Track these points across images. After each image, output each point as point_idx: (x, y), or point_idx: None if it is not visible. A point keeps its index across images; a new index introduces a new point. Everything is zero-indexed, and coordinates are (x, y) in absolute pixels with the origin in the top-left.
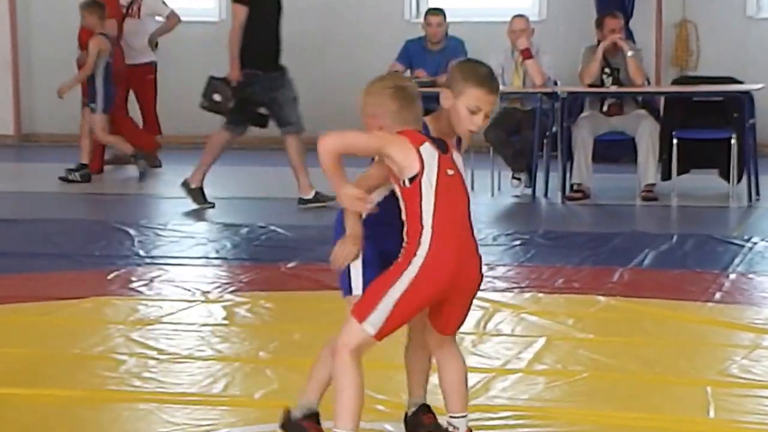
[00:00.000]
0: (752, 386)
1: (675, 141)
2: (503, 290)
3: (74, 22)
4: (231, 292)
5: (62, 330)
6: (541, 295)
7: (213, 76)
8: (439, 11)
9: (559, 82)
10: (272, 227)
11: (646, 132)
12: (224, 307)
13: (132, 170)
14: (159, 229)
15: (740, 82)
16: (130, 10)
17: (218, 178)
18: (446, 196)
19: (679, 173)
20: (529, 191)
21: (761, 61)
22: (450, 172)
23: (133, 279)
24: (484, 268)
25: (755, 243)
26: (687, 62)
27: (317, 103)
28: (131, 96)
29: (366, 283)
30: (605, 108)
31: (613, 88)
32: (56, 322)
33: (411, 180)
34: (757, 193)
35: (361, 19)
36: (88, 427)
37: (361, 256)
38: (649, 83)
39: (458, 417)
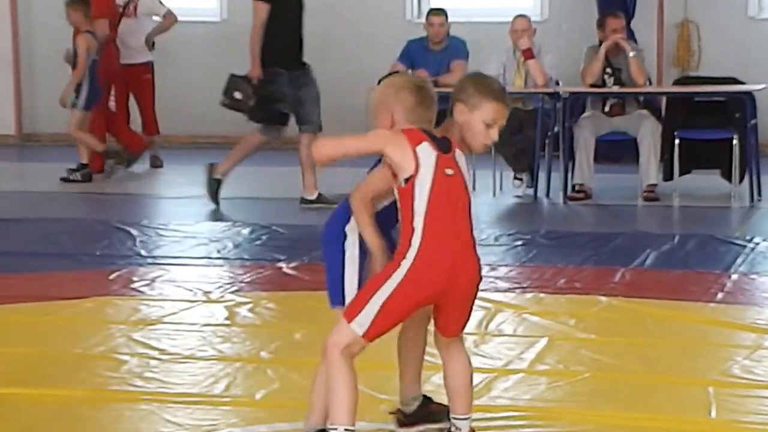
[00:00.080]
0: (754, 387)
1: (677, 141)
2: (505, 290)
3: None
4: (232, 292)
5: (63, 330)
6: (542, 295)
7: (234, 73)
8: (440, 11)
9: (560, 82)
10: (274, 227)
11: (647, 132)
12: (226, 307)
13: (137, 167)
14: (160, 228)
15: (742, 83)
16: (126, 10)
17: None
18: (443, 197)
19: (681, 173)
20: (530, 191)
21: (763, 62)
22: (449, 171)
23: (135, 279)
24: (486, 269)
25: (757, 243)
26: (689, 62)
27: None
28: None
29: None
30: (607, 108)
31: (615, 88)
32: (57, 322)
33: (407, 180)
34: (759, 194)
35: (361, 19)
36: (89, 427)
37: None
38: (650, 83)
39: (462, 419)
